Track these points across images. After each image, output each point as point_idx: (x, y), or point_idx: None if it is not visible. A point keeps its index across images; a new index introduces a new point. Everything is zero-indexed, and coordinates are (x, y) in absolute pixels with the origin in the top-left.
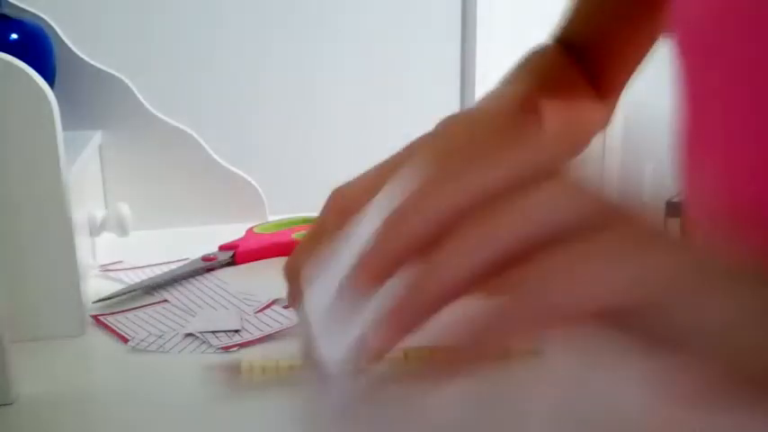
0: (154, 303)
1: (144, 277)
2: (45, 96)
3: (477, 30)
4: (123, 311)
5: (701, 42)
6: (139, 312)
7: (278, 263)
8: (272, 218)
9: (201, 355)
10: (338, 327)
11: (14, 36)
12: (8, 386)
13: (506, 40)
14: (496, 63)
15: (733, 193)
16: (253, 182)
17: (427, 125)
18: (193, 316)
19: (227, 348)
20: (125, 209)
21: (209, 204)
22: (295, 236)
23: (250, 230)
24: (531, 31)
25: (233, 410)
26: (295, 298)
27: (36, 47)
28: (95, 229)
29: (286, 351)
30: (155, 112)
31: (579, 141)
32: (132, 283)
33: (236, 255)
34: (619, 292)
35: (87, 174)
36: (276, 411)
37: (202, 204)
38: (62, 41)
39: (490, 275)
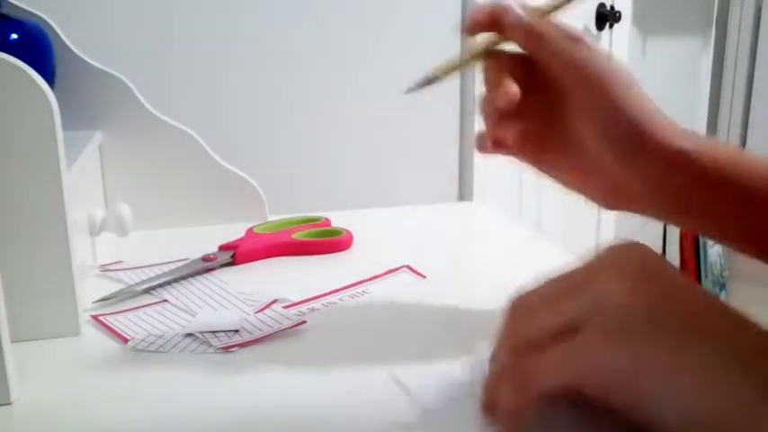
0: (154, 303)
1: (144, 277)
2: (45, 96)
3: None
4: (123, 311)
5: None
6: (139, 312)
7: (278, 263)
8: (272, 218)
9: (201, 355)
10: None
11: (14, 36)
12: (7, 386)
13: None
14: None
15: None
16: (253, 182)
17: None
18: (193, 316)
19: (227, 348)
20: (125, 209)
21: (210, 204)
22: (295, 236)
23: (250, 230)
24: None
25: (233, 410)
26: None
27: (36, 47)
28: (95, 229)
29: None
30: (155, 112)
31: None
32: (132, 283)
33: (236, 255)
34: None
35: (87, 174)
36: (275, 410)
37: (202, 204)
38: (62, 41)
39: None
